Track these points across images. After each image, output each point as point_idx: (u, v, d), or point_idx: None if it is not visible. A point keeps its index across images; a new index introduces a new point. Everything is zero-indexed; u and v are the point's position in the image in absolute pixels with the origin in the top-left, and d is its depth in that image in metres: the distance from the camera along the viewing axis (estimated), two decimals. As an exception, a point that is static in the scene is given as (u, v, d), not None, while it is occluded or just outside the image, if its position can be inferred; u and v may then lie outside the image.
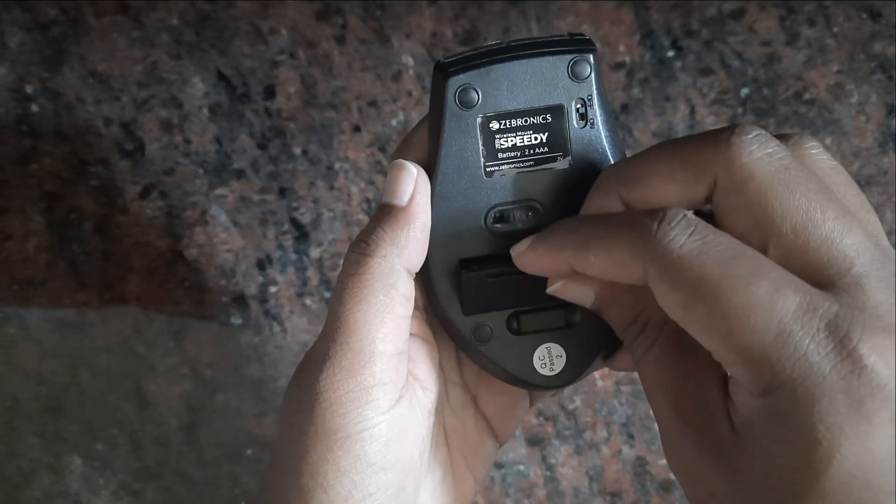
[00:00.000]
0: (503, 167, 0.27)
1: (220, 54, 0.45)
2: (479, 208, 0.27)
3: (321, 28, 0.45)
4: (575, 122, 0.26)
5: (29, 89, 0.45)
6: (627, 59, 0.44)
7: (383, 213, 0.26)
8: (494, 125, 0.26)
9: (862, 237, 0.21)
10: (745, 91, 0.44)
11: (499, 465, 0.46)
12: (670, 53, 0.44)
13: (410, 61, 0.45)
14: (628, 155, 0.26)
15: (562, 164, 0.27)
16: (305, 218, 0.46)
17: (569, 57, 0.26)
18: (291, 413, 0.26)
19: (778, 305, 0.20)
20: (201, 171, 0.45)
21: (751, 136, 0.22)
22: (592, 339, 0.27)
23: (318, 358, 0.25)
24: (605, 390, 0.45)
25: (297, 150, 0.45)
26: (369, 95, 0.45)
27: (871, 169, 0.43)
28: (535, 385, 0.28)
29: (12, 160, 0.46)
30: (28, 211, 0.46)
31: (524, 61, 0.26)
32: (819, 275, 0.21)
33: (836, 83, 0.44)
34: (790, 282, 0.21)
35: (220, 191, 0.45)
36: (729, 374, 0.22)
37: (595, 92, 0.26)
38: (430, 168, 0.27)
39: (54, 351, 0.46)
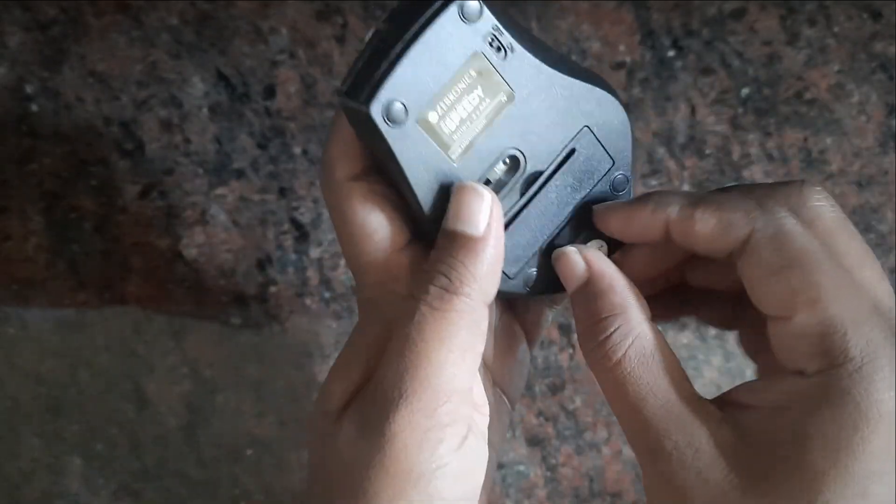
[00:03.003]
0: (464, 142, 0.26)
1: (220, 54, 0.45)
2: None
3: (321, 28, 0.45)
4: (495, 59, 0.25)
5: (29, 89, 0.45)
6: (628, 59, 0.44)
7: (458, 243, 0.25)
8: (433, 117, 0.26)
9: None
10: (745, 91, 0.44)
11: (499, 466, 0.46)
12: (671, 53, 0.44)
13: (410, 61, 0.45)
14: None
15: (508, 102, 0.26)
16: (305, 218, 0.46)
17: (453, 7, 0.25)
18: (351, 448, 0.25)
19: (879, 292, 0.23)
20: (201, 170, 0.45)
21: (818, 188, 0.25)
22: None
23: (389, 394, 0.24)
24: (606, 390, 0.45)
25: (297, 150, 0.45)
26: (369, 95, 0.45)
27: (871, 169, 0.43)
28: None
29: (12, 160, 0.46)
30: (28, 211, 0.46)
31: (417, 43, 0.25)
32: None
33: (836, 83, 0.44)
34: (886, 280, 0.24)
35: (219, 191, 0.45)
36: (781, 350, 0.24)
37: (496, 21, 0.25)
38: (399, 189, 0.27)
39: (54, 351, 0.46)
